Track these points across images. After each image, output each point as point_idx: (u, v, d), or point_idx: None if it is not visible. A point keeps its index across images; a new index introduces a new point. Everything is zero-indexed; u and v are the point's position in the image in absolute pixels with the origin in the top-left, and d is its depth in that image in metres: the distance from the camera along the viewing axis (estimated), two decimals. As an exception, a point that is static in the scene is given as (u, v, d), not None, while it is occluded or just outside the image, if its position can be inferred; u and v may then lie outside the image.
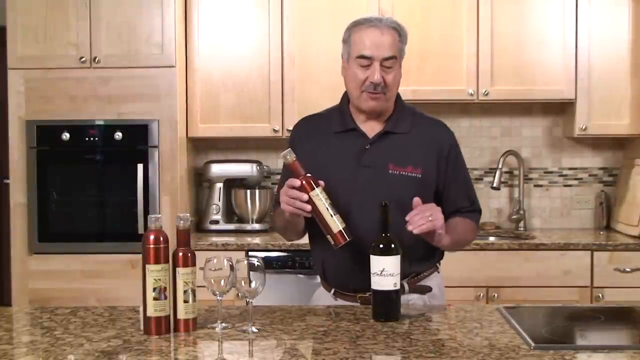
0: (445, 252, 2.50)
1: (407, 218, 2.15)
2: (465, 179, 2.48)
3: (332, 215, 2.16)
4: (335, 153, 2.38)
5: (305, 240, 2.51)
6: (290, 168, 2.20)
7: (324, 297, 2.47)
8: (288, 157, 2.18)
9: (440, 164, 2.39)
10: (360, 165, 2.35)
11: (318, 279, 2.52)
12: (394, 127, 2.38)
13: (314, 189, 2.16)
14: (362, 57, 2.31)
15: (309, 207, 2.15)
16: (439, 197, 2.41)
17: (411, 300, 2.35)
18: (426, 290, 2.41)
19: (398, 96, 2.45)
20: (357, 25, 2.36)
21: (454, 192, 2.42)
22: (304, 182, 2.16)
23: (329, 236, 2.18)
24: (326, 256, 2.39)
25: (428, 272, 2.43)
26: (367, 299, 2.32)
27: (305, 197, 2.15)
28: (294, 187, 2.17)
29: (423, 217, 2.15)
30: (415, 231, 2.14)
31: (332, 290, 2.44)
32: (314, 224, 2.24)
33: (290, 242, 3.64)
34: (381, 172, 2.33)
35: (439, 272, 2.50)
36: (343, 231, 2.17)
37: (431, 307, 2.36)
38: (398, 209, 2.21)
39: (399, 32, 2.35)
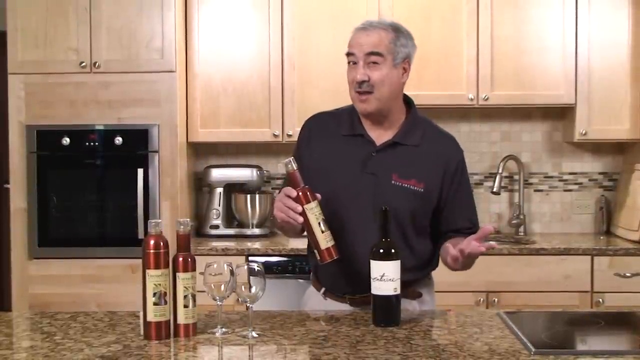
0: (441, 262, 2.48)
1: (450, 261, 2.23)
2: (468, 199, 2.45)
3: (322, 232, 2.16)
4: (341, 156, 2.38)
5: (305, 245, 2.51)
6: (289, 177, 2.19)
7: (314, 297, 2.47)
8: (289, 165, 2.18)
9: (444, 181, 2.37)
10: (364, 172, 2.34)
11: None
12: (403, 139, 2.37)
13: (310, 202, 2.15)
14: (348, 54, 2.34)
15: (300, 219, 2.15)
16: (438, 214, 2.40)
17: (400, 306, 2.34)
18: (416, 295, 2.40)
19: (412, 105, 2.43)
20: (354, 31, 2.37)
21: (457, 212, 2.40)
22: (300, 193, 2.16)
23: (316, 251, 2.18)
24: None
25: (420, 278, 2.43)
26: (357, 300, 2.33)
27: (299, 208, 2.15)
28: (290, 197, 2.16)
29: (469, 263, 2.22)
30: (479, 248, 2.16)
31: (322, 290, 2.44)
32: None
33: (290, 247, 3.69)
34: (384, 181, 2.33)
35: (430, 279, 2.49)
36: (331, 249, 2.17)
37: (431, 312, 2.36)
38: (394, 220, 2.22)
39: (393, 33, 2.32)
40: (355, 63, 2.32)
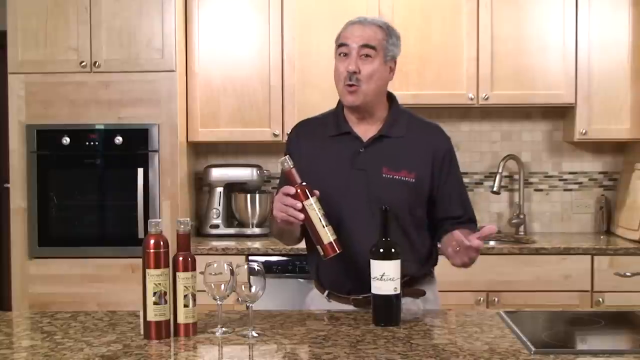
0: (442, 257, 2.49)
1: (451, 251, 2.23)
2: (458, 186, 2.47)
3: (324, 227, 2.16)
4: (329, 156, 2.39)
5: (304, 244, 2.51)
6: (286, 175, 2.20)
7: (317, 299, 2.47)
8: (285, 164, 2.18)
9: (434, 170, 2.38)
10: (354, 168, 2.36)
11: (316, 282, 2.52)
12: (388, 131, 2.39)
13: (309, 198, 2.15)
14: (340, 45, 2.36)
15: (301, 216, 2.15)
16: (431, 203, 2.41)
17: (404, 305, 2.34)
18: (420, 294, 2.40)
19: (394, 100, 2.46)
20: (345, 25, 2.41)
21: (447, 199, 2.41)
22: (298, 190, 2.16)
23: (319, 246, 2.18)
24: (321, 258, 2.38)
25: (422, 276, 2.43)
26: (361, 301, 2.33)
27: (299, 205, 2.15)
28: (288, 195, 2.16)
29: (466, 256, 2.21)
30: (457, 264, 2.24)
31: (326, 292, 2.44)
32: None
33: (290, 247, 3.68)
34: (375, 175, 2.34)
35: (433, 277, 2.50)
36: (334, 243, 2.16)
37: (431, 311, 2.36)
38: (394, 215, 2.22)
39: (386, 32, 2.36)
40: (346, 55, 2.34)
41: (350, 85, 2.32)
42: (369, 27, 2.35)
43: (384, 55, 2.35)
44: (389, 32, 2.37)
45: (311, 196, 2.16)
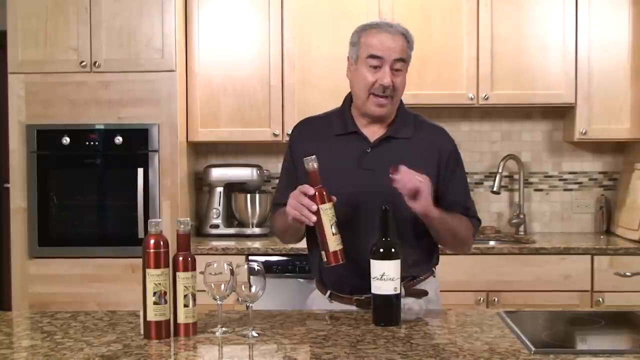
0: (442, 257, 2.50)
1: (393, 176, 2.16)
2: (462, 187, 2.47)
3: (333, 234, 2.16)
4: (335, 155, 2.38)
5: (305, 244, 2.50)
6: (309, 175, 2.18)
7: (318, 300, 2.47)
8: (311, 164, 2.17)
9: (440, 171, 2.39)
10: (361, 168, 2.36)
11: (317, 282, 2.52)
12: (396, 132, 2.39)
13: (325, 202, 2.15)
14: (373, 56, 2.32)
15: (314, 218, 2.15)
16: (435, 203, 2.41)
17: (407, 305, 2.34)
18: (422, 294, 2.40)
19: (400, 101, 2.46)
20: (367, 28, 2.38)
21: (451, 198, 2.42)
22: (317, 193, 2.16)
23: (323, 252, 2.18)
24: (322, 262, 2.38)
25: (424, 276, 2.44)
26: (364, 302, 2.32)
27: (314, 207, 2.14)
28: (306, 195, 2.16)
29: (411, 177, 2.17)
30: (402, 190, 2.16)
31: (328, 293, 2.43)
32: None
33: (290, 247, 3.68)
34: (382, 175, 2.33)
35: (435, 277, 2.50)
36: (338, 253, 2.16)
37: (431, 311, 2.36)
38: (397, 214, 2.22)
39: (408, 40, 2.37)
40: (376, 67, 2.32)
41: (381, 97, 2.32)
42: (398, 37, 2.34)
43: (408, 64, 2.38)
44: (409, 40, 2.38)
45: (328, 201, 2.16)
